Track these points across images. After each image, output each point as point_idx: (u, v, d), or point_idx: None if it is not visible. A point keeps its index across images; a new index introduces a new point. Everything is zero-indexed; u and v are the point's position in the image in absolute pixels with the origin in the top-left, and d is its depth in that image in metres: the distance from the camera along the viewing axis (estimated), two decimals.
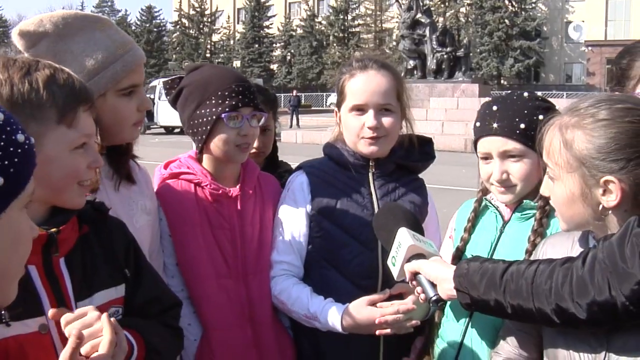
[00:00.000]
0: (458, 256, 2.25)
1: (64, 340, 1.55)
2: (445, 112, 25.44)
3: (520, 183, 2.11)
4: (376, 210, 2.42)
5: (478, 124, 2.19)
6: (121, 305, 1.79)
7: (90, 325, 1.48)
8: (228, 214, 2.44)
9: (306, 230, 2.48)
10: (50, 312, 1.50)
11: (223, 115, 2.33)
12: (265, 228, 2.51)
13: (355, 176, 2.49)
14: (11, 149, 1.08)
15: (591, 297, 1.53)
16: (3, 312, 1.46)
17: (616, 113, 1.64)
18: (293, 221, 2.48)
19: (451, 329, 2.24)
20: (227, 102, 2.34)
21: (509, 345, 1.93)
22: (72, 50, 2.00)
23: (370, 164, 2.48)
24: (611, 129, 1.62)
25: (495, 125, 2.12)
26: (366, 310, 2.26)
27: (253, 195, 2.53)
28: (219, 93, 2.35)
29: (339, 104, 2.52)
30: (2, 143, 1.07)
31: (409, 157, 2.54)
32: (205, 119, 2.37)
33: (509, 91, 2.28)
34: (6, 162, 1.07)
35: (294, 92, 38.75)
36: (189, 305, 2.39)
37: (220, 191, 2.44)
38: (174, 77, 2.58)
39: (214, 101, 2.35)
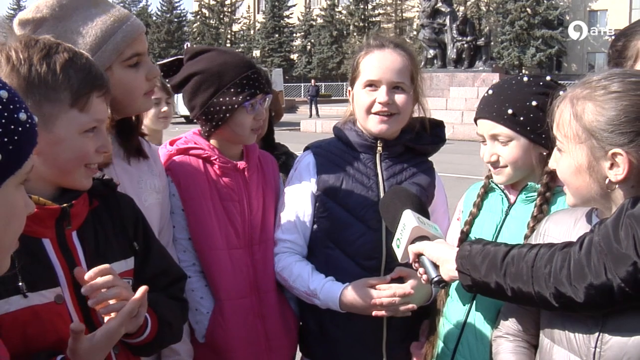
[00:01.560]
0: (463, 238, 2.28)
1: (79, 311, 1.64)
2: (465, 102, 25.27)
3: (509, 165, 2.15)
4: (382, 191, 2.45)
5: (478, 106, 2.24)
6: (131, 277, 1.84)
7: (110, 285, 1.58)
8: (236, 187, 2.52)
9: (311, 210, 2.52)
10: (76, 269, 1.59)
11: (245, 103, 2.42)
12: (267, 200, 2.60)
13: (362, 157, 2.51)
14: (12, 126, 1.11)
15: (588, 280, 1.54)
16: (20, 283, 1.53)
17: (628, 86, 1.63)
18: (298, 201, 2.53)
19: (455, 309, 2.27)
20: (246, 90, 2.42)
21: (509, 322, 1.96)
22: (72, 30, 2.03)
23: (378, 144, 2.49)
24: (622, 102, 1.61)
25: (486, 109, 2.17)
26: (364, 291, 2.31)
27: (256, 170, 2.61)
28: (237, 82, 2.42)
29: (352, 81, 2.53)
30: (3, 120, 1.10)
31: (419, 140, 2.55)
32: (224, 107, 2.43)
33: (516, 75, 2.27)
34: (5, 139, 1.09)
35: (313, 82, 38.68)
36: (201, 279, 2.47)
37: (229, 164, 2.51)
38: (171, 59, 2.60)
39: (232, 90, 2.42)
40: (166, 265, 2.02)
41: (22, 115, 1.13)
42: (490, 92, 2.20)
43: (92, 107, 1.68)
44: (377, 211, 2.31)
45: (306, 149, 2.63)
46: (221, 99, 2.43)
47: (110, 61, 2.03)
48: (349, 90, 2.58)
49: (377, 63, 2.42)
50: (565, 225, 1.86)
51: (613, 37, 2.42)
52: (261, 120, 2.51)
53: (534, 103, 2.09)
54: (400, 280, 2.34)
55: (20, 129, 1.12)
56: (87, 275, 1.56)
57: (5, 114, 1.10)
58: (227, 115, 2.43)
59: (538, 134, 2.07)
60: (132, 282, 1.82)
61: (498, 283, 1.72)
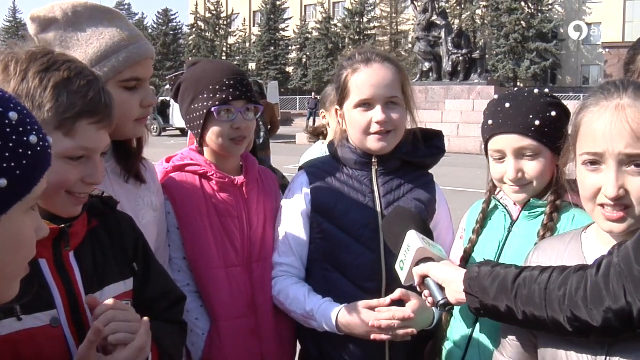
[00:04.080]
0: (466, 257, 2.24)
1: (75, 333, 1.59)
2: (460, 115, 25.32)
3: (535, 181, 2.08)
4: (379, 208, 2.38)
5: (490, 122, 2.15)
6: (130, 299, 1.79)
7: (120, 320, 1.53)
8: (235, 203, 2.47)
9: (306, 232, 2.45)
10: (86, 298, 1.55)
11: (213, 109, 2.36)
12: (268, 217, 2.54)
13: (357, 174, 2.44)
14: (20, 150, 1.05)
15: (606, 304, 1.47)
16: (15, 305, 1.46)
17: None
18: (293, 222, 2.47)
19: (459, 330, 2.23)
20: (217, 95, 2.37)
21: (509, 343, 1.89)
22: (78, 38, 2.01)
23: (373, 160, 2.43)
24: None
25: (509, 122, 2.08)
26: (361, 312, 2.23)
27: (256, 185, 2.56)
28: (210, 87, 2.38)
29: (341, 102, 2.45)
30: (11, 144, 1.04)
31: (415, 152, 2.47)
32: (198, 113, 2.40)
33: (516, 89, 2.24)
34: (12, 164, 1.04)
35: (313, 95, 38.60)
36: (196, 299, 2.42)
37: (227, 180, 2.46)
38: (178, 73, 2.62)
39: (205, 95, 2.38)
40: (166, 287, 1.97)
41: (33, 139, 1.08)
42: (507, 105, 2.11)
43: (79, 133, 1.57)
44: (375, 230, 2.27)
45: (300, 168, 2.57)
46: (196, 105, 2.40)
47: (106, 78, 1.98)
48: (336, 110, 2.50)
49: (367, 81, 2.34)
50: (555, 252, 1.80)
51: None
52: (241, 130, 2.40)
53: (553, 113, 2.05)
54: (401, 303, 2.25)
55: (29, 152, 1.07)
56: (97, 310, 1.52)
57: (14, 137, 1.04)
58: (201, 122, 2.39)
59: (559, 145, 1.97)
60: (131, 303, 1.78)
61: (509, 306, 1.64)
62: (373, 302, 2.25)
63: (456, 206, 2.59)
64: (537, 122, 2.04)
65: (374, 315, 2.21)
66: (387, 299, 2.25)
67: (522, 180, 2.09)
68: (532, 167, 2.07)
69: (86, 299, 1.57)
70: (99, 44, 2.01)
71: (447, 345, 2.28)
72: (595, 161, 1.62)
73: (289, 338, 2.57)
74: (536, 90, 2.15)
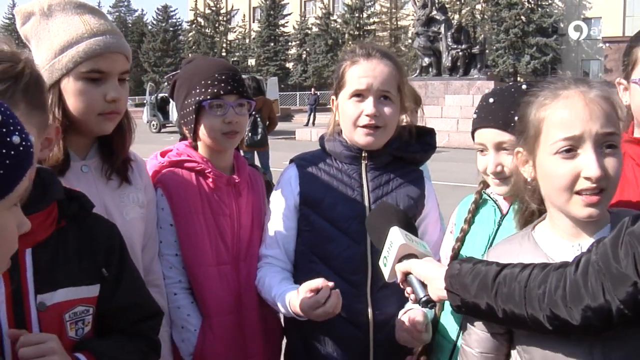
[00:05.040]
0: (456, 251, 2.24)
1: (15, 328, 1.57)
2: (460, 110, 25.31)
3: (515, 175, 2.08)
4: (367, 203, 2.39)
5: (475, 115, 2.19)
6: (92, 305, 1.75)
7: (43, 354, 1.50)
8: (228, 202, 2.50)
9: (294, 224, 2.47)
10: (9, 331, 1.52)
11: (204, 103, 2.40)
12: (255, 217, 2.56)
13: (347, 168, 2.45)
14: (4, 150, 1.07)
15: (585, 302, 1.46)
16: None
17: None
18: (280, 215, 2.48)
19: (448, 322, 2.24)
20: (209, 90, 2.40)
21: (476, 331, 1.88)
22: (48, 30, 2.06)
23: (363, 155, 2.43)
24: None
25: (490, 117, 2.12)
26: (305, 300, 2.17)
27: (247, 185, 2.59)
28: (202, 82, 2.41)
29: (337, 91, 2.47)
30: None
31: (407, 148, 2.48)
32: (190, 108, 2.43)
33: (510, 84, 2.24)
34: None
35: (313, 91, 38.59)
36: (188, 296, 2.45)
37: (223, 178, 2.49)
38: (175, 72, 2.65)
39: (197, 90, 2.41)
40: (139, 299, 1.88)
41: (16, 139, 1.09)
42: (491, 100, 2.15)
43: None
44: (362, 223, 2.27)
45: (291, 161, 2.58)
46: (189, 100, 2.44)
47: (66, 68, 2.01)
48: (332, 100, 2.52)
49: (364, 72, 2.36)
50: (512, 255, 1.78)
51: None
52: (232, 124, 2.44)
53: None
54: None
55: (12, 152, 1.08)
56: (20, 341, 1.49)
57: None
58: (193, 116, 2.42)
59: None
60: (93, 310, 1.74)
61: (489, 304, 1.63)
62: (311, 283, 2.18)
63: (455, 201, 2.59)
64: (516, 118, 2.04)
65: (308, 301, 2.15)
66: (331, 283, 2.17)
67: (501, 174, 2.12)
68: (510, 162, 2.08)
69: (8, 332, 1.53)
70: (63, 34, 2.03)
71: (438, 338, 2.29)
72: (571, 147, 1.64)
73: (275, 333, 2.60)
74: (524, 86, 2.16)
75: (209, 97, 2.39)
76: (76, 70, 2.02)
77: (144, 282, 2.02)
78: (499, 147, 2.11)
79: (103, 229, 1.83)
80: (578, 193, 1.64)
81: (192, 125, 2.45)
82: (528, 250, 1.79)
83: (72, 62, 2.01)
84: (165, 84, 33.94)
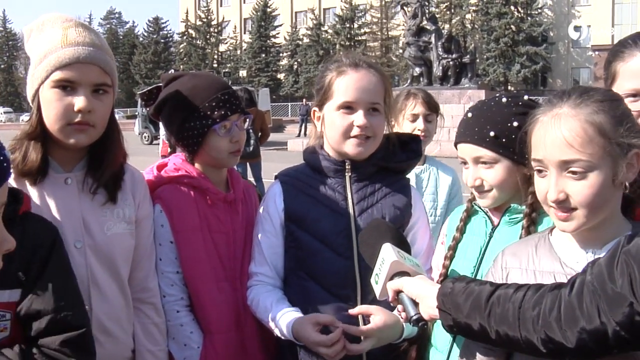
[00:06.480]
0: (447, 263, 2.23)
1: None
2: (452, 119, 25.04)
3: (494, 188, 2.11)
4: (352, 216, 2.37)
5: (456, 129, 2.20)
6: (10, 311, 1.70)
7: None
8: (224, 218, 2.49)
9: (280, 241, 2.44)
10: None
11: (215, 126, 2.38)
12: (250, 232, 2.55)
13: (330, 182, 2.42)
14: None
15: (580, 324, 1.42)
16: None
17: None
18: (266, 232, 2.46)
19: (441, 335, 2.21)
20: (216, 112, 2.39)
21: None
22: (37, 44, 2.13)
23: (347, 167, 2.41)
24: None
25: (467, 132, 2.14)
26: (310, 332, 2.20)
27: (241, 201, 2.58)
28: (207, 104, 2.39)
29: (321, 103, 2.42)
30: None
31: (392, 158, 2.46)
32: (196, 131, 2.40)
33: (494, 97, 2.24)
34: None
35: (304, 101, 38.64)
36: (189, 313, 2.44)
37: (220, 195, 2.48)
38: (150, 87, 2.59)
39: (202, 113, 2.39)
40: (53, 308, 1.74)
41: None
42: (470, 114, 2.16)
43: None
44: (348, 237, 2.28)
45: (275, 177, 2.55)
46: (192, 124, 2.40)
47: (41, 78, 2.06)
48: (314, 111, 2.48)
49: (353, 84, 2.32)
50: (525, 256, 1.80)
51: (596, 53, 2.44)
52: (238, 142, 2.46)
53: (515, 124, 2.05)
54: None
55: None
56: None
57: None
58: (200, 139, 2.41)
59: (521, 154, 1.99)
60: (11, 316, 1.69)
61: (482, 325, 1.59)
62: (323, 317, 2.24)
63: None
64: (492, 133, 2.07)
65: (324, 340, 2.19)
66: (337, 322, 2.23)
67: (480, 187, 2.14)
68: (489, 175, 2.11)
69: None
70: (43, 46, 2.09)
71: (430, 349, 2.27)
72: (541, 168, 1.70)
73: (275, 351, 2.56)
74: (505, 99, 2.16)
75: (218, 119, 2.39)
76: (49, 80, 2.06)
77: (75, 290, 1.90)
78: (477, 161, 2.12)
79: (32, 231, 1.77)
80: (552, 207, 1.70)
81: (196, 148, 2.44)
82: (543, 254, 1.79)
83: (45, 71, 2.06)
84: (139, 100, 33.74)
